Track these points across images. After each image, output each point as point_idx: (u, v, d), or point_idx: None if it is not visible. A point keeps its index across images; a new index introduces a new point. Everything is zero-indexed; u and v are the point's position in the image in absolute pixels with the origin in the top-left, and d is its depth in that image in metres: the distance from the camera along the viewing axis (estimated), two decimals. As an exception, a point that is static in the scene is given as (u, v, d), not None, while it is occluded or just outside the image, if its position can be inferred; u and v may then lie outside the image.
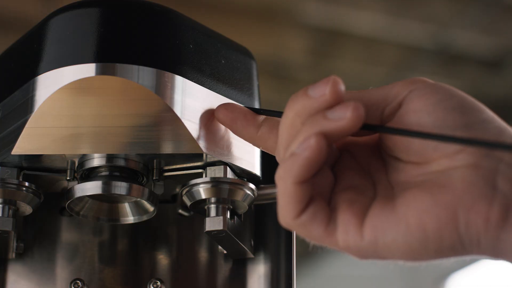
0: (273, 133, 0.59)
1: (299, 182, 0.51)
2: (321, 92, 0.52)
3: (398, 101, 0.54)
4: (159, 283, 0.73)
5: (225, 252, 0.73)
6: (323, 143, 0.51)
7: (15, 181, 0.65)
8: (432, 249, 0.50)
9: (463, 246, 0.50)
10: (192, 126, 0.64)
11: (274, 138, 0.59)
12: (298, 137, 0.52)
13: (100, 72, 0.63)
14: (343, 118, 0.51)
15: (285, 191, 0.52)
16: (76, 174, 0.67)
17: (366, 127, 0.53)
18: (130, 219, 0.69)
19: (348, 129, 0.51)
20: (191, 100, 0.65)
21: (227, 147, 0.66)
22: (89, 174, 0.67)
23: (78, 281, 0.73)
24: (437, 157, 0.51)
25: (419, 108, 0.52)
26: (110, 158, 0.65)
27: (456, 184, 0.50)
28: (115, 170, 0.66)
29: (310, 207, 0.52)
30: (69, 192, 0.66)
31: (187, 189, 0.66)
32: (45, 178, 0.68)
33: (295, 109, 0.53)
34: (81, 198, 0.66)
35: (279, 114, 0.57)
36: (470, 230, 0.49)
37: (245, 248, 0.71)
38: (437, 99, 0.52)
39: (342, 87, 0.52)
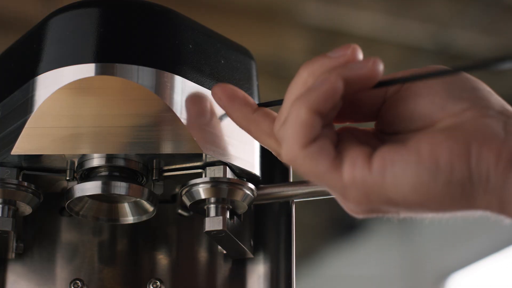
0: (268, 118, 0.59)
1: (313, 111, 0.52)
2: (343, 52, 0.54)
3: None
4: (158, 283, 0.73)
5: (224, 252, 0.73)
6: (341, 83, 0.52)
7: (15, 181, 0.65)
8: (441, 182, 0.50)
9: (472, 184, 0.50)
10: (192, 126, 0.64)
11: (268, 123, 0.58)
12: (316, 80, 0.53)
13: (99, 72, 0.64)
14: (364, 67, 0.52)
15: (297, 119, 0.52)
16: (75, 174, 0.67)
17: (382, 84, 0.54)
18: (129, 219, 0.69)
19: (367, 78, 0.52)
20: (191, 100, 0.65)
21: (227, 147, 0.66)
22: (88, 174, 0.67)
23: (78, 281, 0.73)
24: (444, 117, 0.52)
25: None
26: (109, 158, 0.65)
27: (468, 127, 0.50)
28: (115, 170, 0.66)
29: (319, 140, 0.52)
30: (68, 192, 0.66)
31: (186, 189, 0.66)
32: (44, 178, 0.68)
33: (311, 69, 0.54)
34: (81, 198, 0.66)
35: (279, 102, 0.57)
36: (481, 164, 0.49)
37: (245, 248, 0.71)
38: None
39: (361, 53, 0.54)
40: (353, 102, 0.56)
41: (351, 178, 0.51)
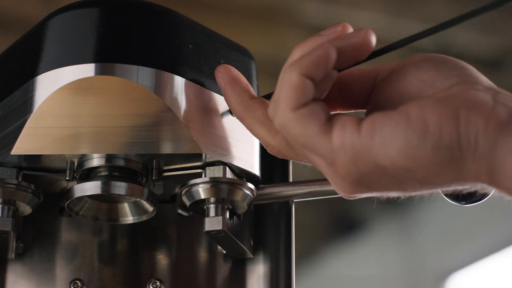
0: (263, 106, 0.59)
1: (305, 75, 0.52)
2: (334, 30, 0.55)
3: (392, 67, 0.56)
4: (158, 283, 0.73)
5: (224, 252, 0.73)
6: (333, 49, 0.52)
7: (15, 181, 0.65)
8: (429, 145, 0.50)
9: (460, 148, 0.50)
10: (192, 126, 0.64)
11: (262, 111, 0.59)
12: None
13: (99, 72, 0.64)
14: (356, 36, 0.53)
15: (289, 81, 0.52)
16: (75, 174, 0.67)
17: (376, 54, 0.55)
18: (129, 219, 0.69)
19: (360, 46, 0.53)
20: (191, 100, 0.65)
21: (226, 147, 0.66)
22: (88, 174, 0.67)
23: (78, 281, 0.73)
24: (433, 93, 0.52)
25: (417, 59, 0.55)
26: (109, 158, 0.65)
27: (457, 96, 0.51)
28: (115, 170, 0.66)
29: (311, 104, 0.52)
30: (68, 192, 0.66)
31: (186, 189, 0.66)
32: (44, 178, 0.68)
33: (303, 47, 0.55)
34: (81, 198, 0.66)
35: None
36: (470, 128, 0.49)
37: (245, 248, 0.71)
38: (431, 55, 0.55)
39: (352, 29, 0.55)
40: (342, 89, 0.57)
41: (340, 142, 0.51)
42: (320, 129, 0.52)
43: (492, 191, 0.57)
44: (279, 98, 0.53)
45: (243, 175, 0.68)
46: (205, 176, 0.66)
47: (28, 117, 0.64)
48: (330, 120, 0.52)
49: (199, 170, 0.67)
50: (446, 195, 0.65)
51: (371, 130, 0.51)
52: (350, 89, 0.57)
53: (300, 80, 0.52)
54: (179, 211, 0.75)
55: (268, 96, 0.60)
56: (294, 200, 0.72)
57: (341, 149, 0.52)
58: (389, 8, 3.21)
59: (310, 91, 0.52)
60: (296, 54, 0.55)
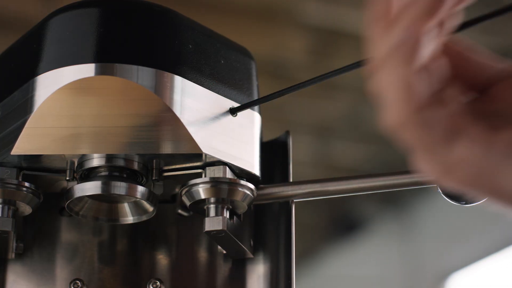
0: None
1: (414, 66, 0.42)
2: None
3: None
4: (158, 283, 0.73)
5: (224, 252, 0.73)
6: (426, 26, 0.42)
7: (15, 181, 0.65)
8: None
9: None
10: (192, 126, 0.64)
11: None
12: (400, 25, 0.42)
13: (99, 72, 0.64)
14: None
15: (401, 78, 0.42)
16: (75, 174, 0.67)
17: (466, 25, 0.48)
18: (129, 219, 0.69)
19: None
20: (191, 100, 0.65)
21: (227, 147, 0.66)
22: (88, 174, 0.67)
23: (78, 281, 0.73)
24: None
25: None
26: (109, 158, 0.65)
27: None
28: (115, 170, 0.66)
29: (432, 106, 0.43)
30: (68, 192, 0.66)
31: (186, 189, 0.66)
32: (44, 178, 0.68)
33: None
34: (81, 198, 0.66)
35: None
36: None
37: (245, 248, 0.71)
38: None
39: None
40: (458, 67, 0.47)
41: (468, 155, 0.42)
42: (442, 136, 0.43)
43: None
44: (390, 95, 0.43)
45: (243, 175, 0.68)
46: (205, 176, 0.66)
47: (28, 117, 0.64)
48: (455, 124, 0.43)
49: (199, 170, 0.67)
50: (446, 195, 0.65)
51: (504, 149, 0.43)
52: (466, 69, 0.47)
53: (412, 73, 0.42)
54: (179, 211, 0.75)
55: (268, 98, 0.60)
56: (294, 200, 0.72)
57: (467, 162, 0.43)
58: (389, 8, 3.20)
59: (425, 82, 0.43)
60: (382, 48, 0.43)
